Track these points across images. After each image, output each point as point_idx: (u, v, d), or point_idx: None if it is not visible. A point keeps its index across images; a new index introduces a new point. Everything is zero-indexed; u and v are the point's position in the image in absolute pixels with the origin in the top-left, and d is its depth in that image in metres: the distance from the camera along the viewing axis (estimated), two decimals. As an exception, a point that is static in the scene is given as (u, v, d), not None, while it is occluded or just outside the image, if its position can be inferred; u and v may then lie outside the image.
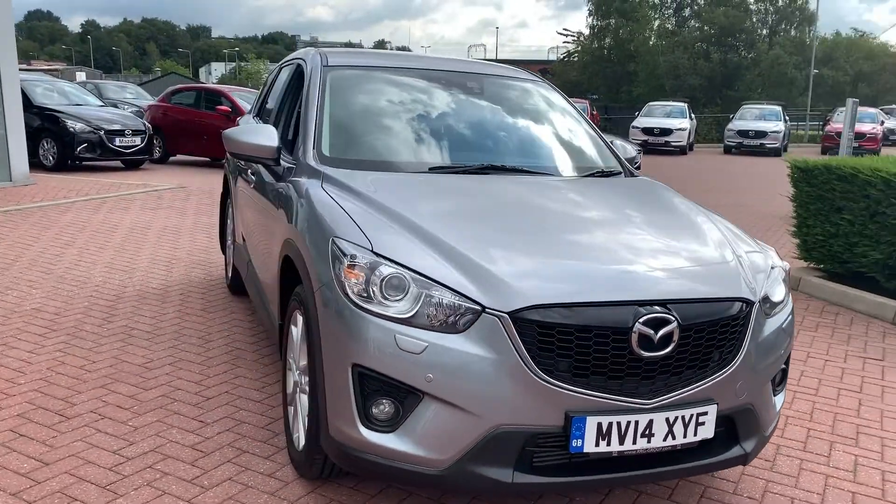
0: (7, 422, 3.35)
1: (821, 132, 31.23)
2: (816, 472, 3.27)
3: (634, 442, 2.41)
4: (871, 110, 27.44)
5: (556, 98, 4.26)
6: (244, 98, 15.00)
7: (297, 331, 2.97)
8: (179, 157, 15.97)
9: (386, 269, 2.45)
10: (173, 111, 15.43)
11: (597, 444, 2.37)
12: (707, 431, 2.51)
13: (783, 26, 51.72)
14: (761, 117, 26.67)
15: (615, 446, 2.39)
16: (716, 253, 2.81)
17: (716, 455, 2.58)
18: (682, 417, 2.45)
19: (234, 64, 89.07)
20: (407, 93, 3.92)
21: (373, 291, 2.45)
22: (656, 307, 2.41)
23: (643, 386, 2.41)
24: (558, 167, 3.74)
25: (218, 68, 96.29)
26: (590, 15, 57.20)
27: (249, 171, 4.34)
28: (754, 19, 49.69)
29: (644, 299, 2.42)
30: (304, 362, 2.89)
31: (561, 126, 4.04)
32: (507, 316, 2.32)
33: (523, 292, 2.37)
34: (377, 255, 2.50)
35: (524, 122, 4.00)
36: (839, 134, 16.69)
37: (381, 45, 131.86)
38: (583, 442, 2.36)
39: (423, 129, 3.73)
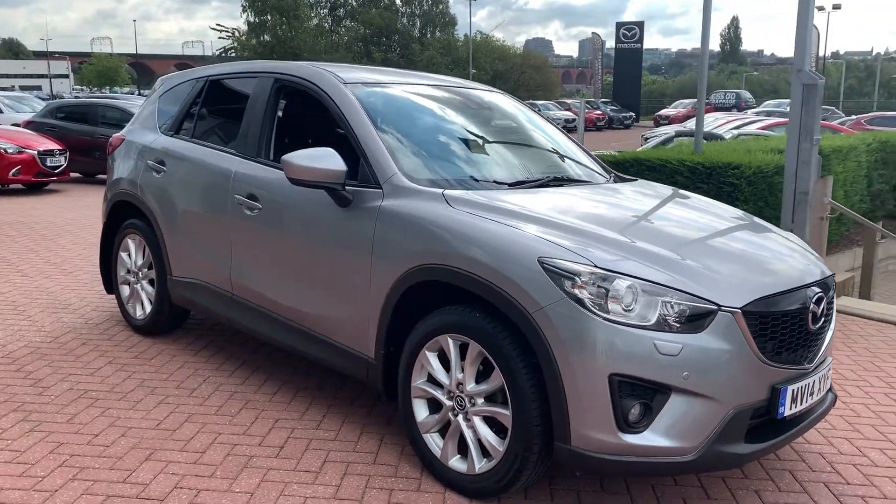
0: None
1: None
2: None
3: (805, 402, 2.95)
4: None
5: (530, 111, 4.60)
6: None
7: (452, 351, 2.99)
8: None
9: (621, 283, 2.65)
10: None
11: (791, 408, 2.87)
12: (829, 383, 3.15)
13: (429, 28, 56.33)
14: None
15: (798, 407, 2.91)
16: (796, 241, 3.46)
17: (828, 403, 3.23)
18: (823, 374, 3.05)
19: None
20: (435, 109, 3.97)
21: (611, 304, 2.63)
22: (815, 287, 2.98)
23: (809, 354, 2.95)
24: (593, 174, 4.09)
25: None
26: (244, 11, 56.34)
27: (248, 199, 3.96)
28: (405, 21, 53.48)
29: (809, 283, 2.97)
30: (478, 386, 2.93)
31: (556, 135, 4.39)
32: (739, 311, 2.69)
33: (743, 289, 2.76)
34: (605, 269, 2.68)
35: (538, 134, 4.28)
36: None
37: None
38: (784, 408, 2.83)
39: (473, 145, 3.83)
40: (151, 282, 4.80)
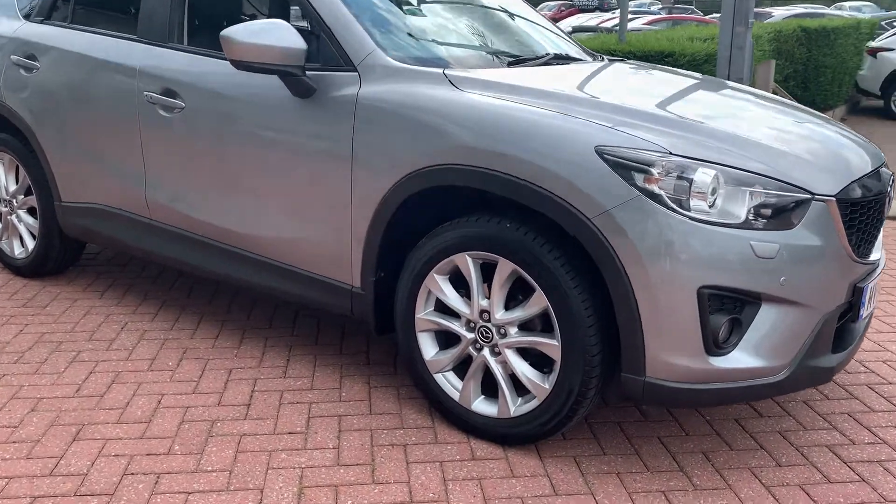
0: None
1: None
2: None
3: (874, 300, 2.59)
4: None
5: None
6: None
7: (473, 273, 2.40)
8: None
9: (706, 172, 2.12)
10: None
11: (867, 308, 2.49)
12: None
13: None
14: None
15: (871, 307, 2.55)
16: (834, 121, 3.03)
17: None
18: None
19: None
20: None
21: (695, 199, 2.10)
22: (885, 170, 2.57)
23: (872, 246, 2.55)
24: (583, 54, 3.48)
25: None
26: None
27: (159, 96, 3.08)
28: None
29: (879, 165, 2.55)
30: (511, 312, 2.37)
31: (537, 18, 3.72)
32: (833, 200, 2.24)
33: (831, 174, 2.30)
34: (683, 156, 2.13)
35: (522, 12, 3.59)
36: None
37: None
38: (864, 309, 2.45)
39: (456, 24, 3.13)
40: (32, 211, 3.84)
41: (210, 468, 2.37)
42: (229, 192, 2.96)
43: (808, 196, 2.20)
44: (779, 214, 2.18)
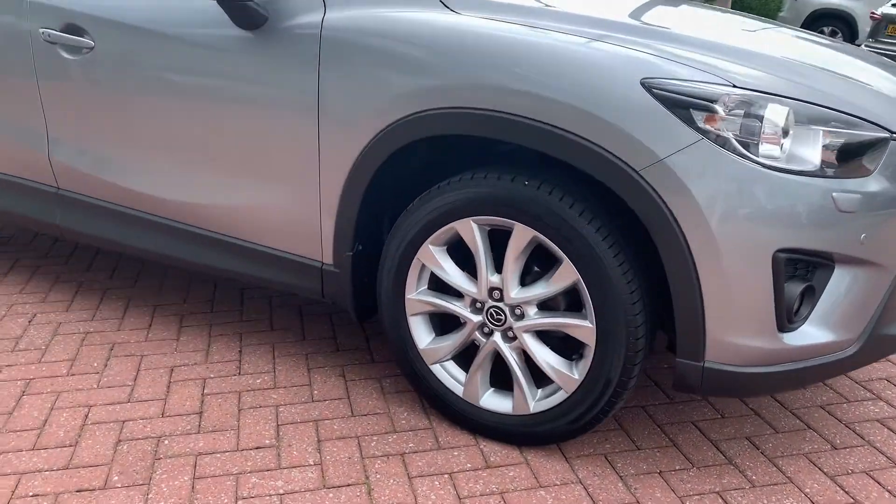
0: None
1: None
2: None
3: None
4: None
5: None
6: None
7: (479, 242, 1.95)
8: None
9: (777, 109, 1.71)
10: None
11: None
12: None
13: None
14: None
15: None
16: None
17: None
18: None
19: None
20: None
21: (766, 143, 1.70)
22: None
23: None
24: None
25: None
26: None
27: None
28: None
29: None
30: (529, 289, 1.94)
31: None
32: (911, 139, 1.88)
33: (904, 109, 1.93)
34: (751, 90, 1.72)
35: None
36: None
37: None
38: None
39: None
40: None
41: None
42: (158, 153, 2.39)
43: (887, 135, 1.83)
44: (853, 158, 1.80)
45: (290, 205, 2.21)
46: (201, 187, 2.35)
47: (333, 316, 2.85)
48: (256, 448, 2.08)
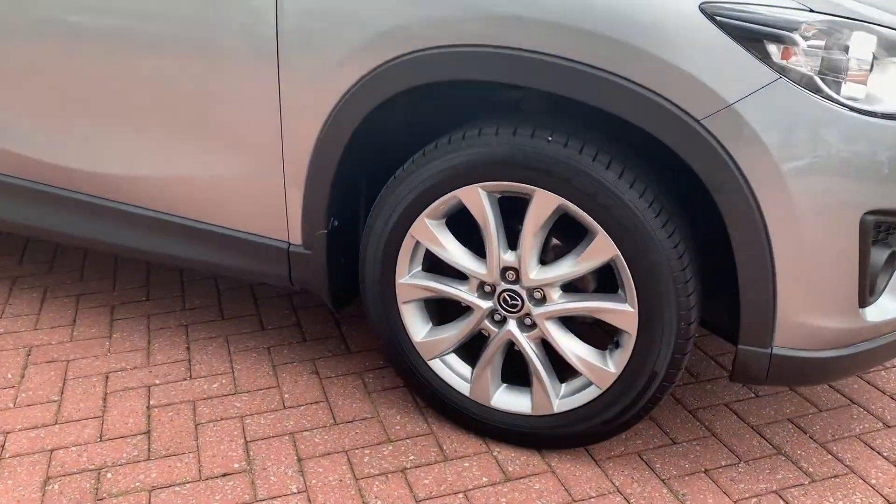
0: None
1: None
2: None
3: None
4: None
5: None
6: None
7: (489, 212, 1.59)
8: None
9: (864, 39, 1.39)
10: None
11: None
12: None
13: None
14: None
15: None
16: None
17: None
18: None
19: None
20: None
21: (851, 82, 1.38)
22: None
23: None
24: None
25: None
26: None
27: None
28: None
29: None
30: (554, 268, 1.60)
31: None
32: None
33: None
34: (834, 15, 1.39)
35: None
36: None
37: None
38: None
39: None
40: None
41: (112, 564, 1.48)
42: (72, 114, 1.92)
43: (972, 67, 1.54)
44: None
45: (245, 174, 1.80)
46: (130, 156, 1.89)
47: (294, 298, 2.46)
48: (224, 475, 1.70)
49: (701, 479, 1.71)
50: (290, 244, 1.83)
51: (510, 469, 1.72)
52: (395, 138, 1.78)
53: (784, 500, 1.65)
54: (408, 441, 1.81)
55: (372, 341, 2.21)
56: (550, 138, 1.51)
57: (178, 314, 2.37)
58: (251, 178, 1.79)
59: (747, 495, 1.66)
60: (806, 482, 1.71)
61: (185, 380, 2.04)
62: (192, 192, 1.87)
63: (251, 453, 1.77)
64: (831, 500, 1.66)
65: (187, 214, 1.90)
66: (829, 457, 1.79)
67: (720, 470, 1.74)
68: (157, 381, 2.03)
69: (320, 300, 2.04)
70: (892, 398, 2.01)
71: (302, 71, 1.64)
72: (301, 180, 1.73)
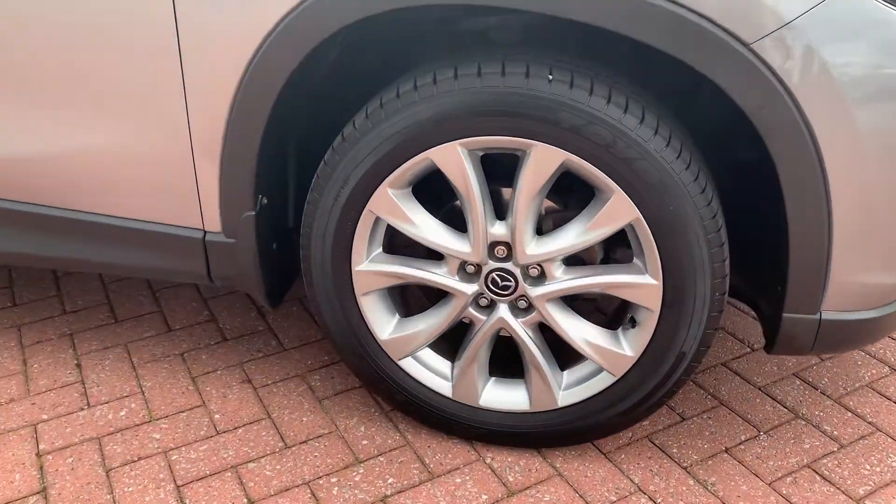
0: None
1: None
2: None
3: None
4: None
5: None
6: None
7: (475, 183, 1.26)
8: None
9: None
10: None
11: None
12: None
13: None
14: None
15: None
16: None
17: None
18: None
19: None
20: None
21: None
22: None
23: None
24: None
25: None
26: None
27: None
28: None
29: None
30: (553, 239, 1.29)
31: None
32: None
33: None
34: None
35: None
36: None
37: None
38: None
39: None
40: None
41: None
42: None
43: None
44: None
45: (138, 146, 1.37)
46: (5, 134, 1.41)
47: (202, 288, 2.04)
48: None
49: (725, 462, 1.49)
50: (206, 232, 1.43)
51: (511, 479, 1.44)
52: (334, 91, 1.39)
53: (820, 474, 1.46)
54: (381, 459, 1.49)
55: (309, 331, 1.85)
56: (551, 77, 1.18)
57: (58, 320, 1.91)
58: (145, 152, 1.36)
59: (780, 474, 1.46)
60: (835, 448, 1.53)
61: (82, 409, 1.62)
62: (73, 177, 1.41)
63: (188, 503, 1.39)
64: (867, 467, 1.48)
65: (74, 206, 1.45)
66: (850, 415, 1.62)
67: (742, 447, 1.53)
68: (45, 416, 1.60)
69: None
70: (891, 338, 1.86)
71: (205, 35, 1.22)
72: (216, 150, 1.33)
